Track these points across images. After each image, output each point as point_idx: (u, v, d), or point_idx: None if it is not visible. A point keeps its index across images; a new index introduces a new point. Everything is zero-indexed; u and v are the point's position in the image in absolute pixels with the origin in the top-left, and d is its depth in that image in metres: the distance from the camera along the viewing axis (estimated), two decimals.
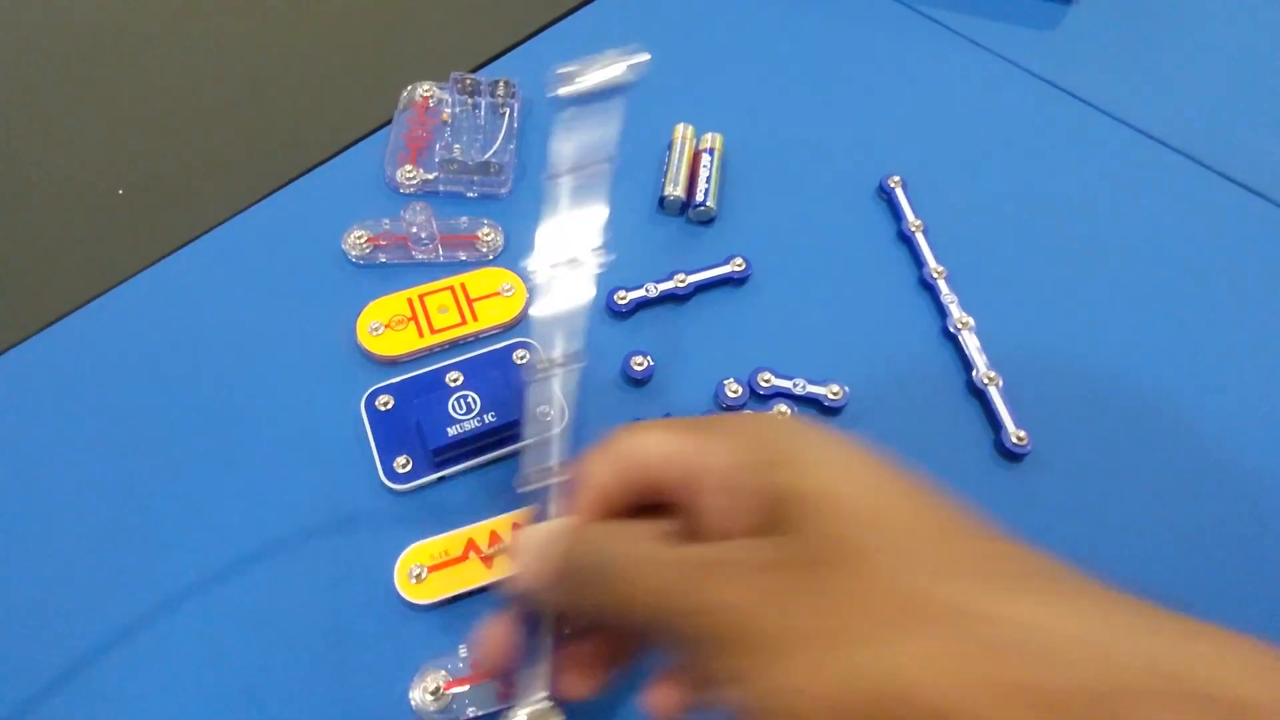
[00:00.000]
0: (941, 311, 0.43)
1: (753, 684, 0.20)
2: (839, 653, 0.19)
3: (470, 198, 0.47)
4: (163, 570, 0.35)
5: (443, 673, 0.32)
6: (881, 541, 0.21)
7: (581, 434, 0.39)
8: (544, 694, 0.27)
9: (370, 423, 0.38)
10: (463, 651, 0.32)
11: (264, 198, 0.47)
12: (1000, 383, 0.40)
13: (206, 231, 0.45)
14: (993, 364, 0.41)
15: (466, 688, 0.32)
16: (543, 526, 0.27)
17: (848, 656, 0.19)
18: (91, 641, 0.33)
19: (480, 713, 0.31)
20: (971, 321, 0.42)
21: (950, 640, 0.19)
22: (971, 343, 0.42)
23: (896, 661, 0.19)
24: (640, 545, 0.24)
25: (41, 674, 0.32)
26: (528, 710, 0.27)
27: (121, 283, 0.43)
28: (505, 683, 0.28)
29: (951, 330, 0.42)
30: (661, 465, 0.25)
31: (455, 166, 0.46)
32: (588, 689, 0.27)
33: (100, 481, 0.37)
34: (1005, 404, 0.40)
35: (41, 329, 0.42)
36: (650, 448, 0.26)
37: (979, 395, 0.41)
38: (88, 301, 0.43)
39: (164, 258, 0.44)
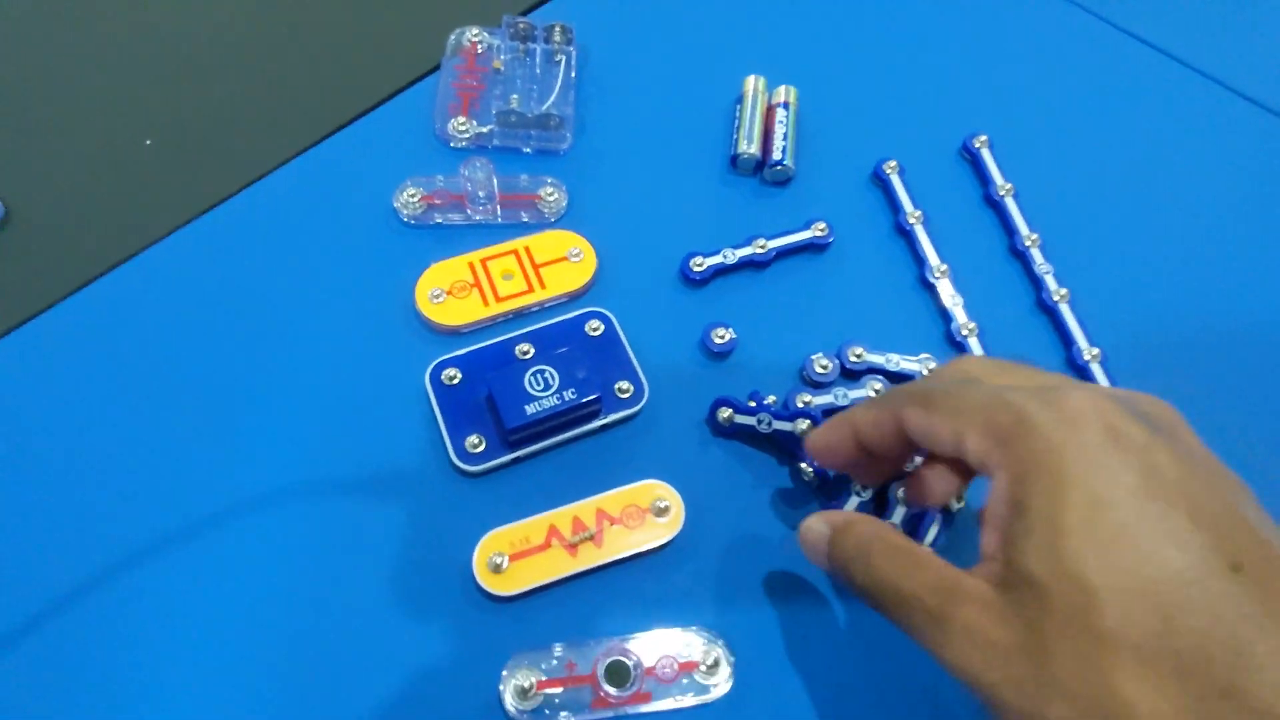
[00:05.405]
0: (1035, 283, 0.41)
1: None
2: None
3: (527, 153, 0.43)
4: (215, 567, 0.32)
5: (535, 670, 0.30)
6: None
7: (659, 411, 0.36)
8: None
9: (436, 398, 0.35)
10: (557, 650, 0.30)
11: (304, 150, 0.43)
12: (1102, 358, 0.38)
13: (243, 188, 0.42)
14: (1093, 339, 0.39)
15: (560, 689, 0.30)
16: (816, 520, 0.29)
17: None
18: (141, 611, 0.31)
19: (573, 719, 0.29)
20: (1068, 293, 0.40)
21: None
22: (1070, 316, 0.39)
23: None
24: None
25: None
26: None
27: (151, 245, 0.40)
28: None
29: (1048, 303, 0.40)
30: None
31: (514, 119, 0.42)
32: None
33: (134, 472, 0.34)
34: (1109, 382, 0.38)
35: (65, 297, 0.38)
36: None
37: (1080, 372, 0.38)
38: (115, 266, 0.39)
39: (197, 217, 0.41)
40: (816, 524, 0.28)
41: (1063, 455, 0.22)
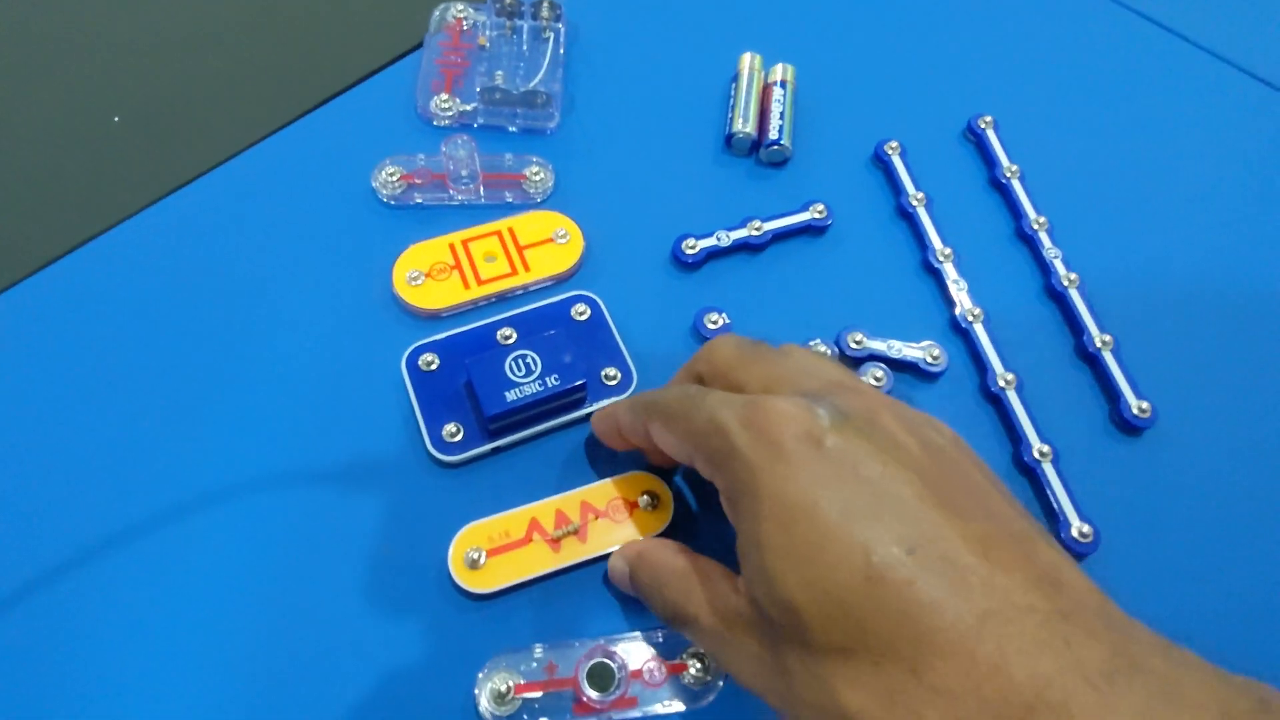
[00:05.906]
0: (1044, 268, 0.39)
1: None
2: None
3: (512, 132, 0.42)
4: (178, 561, 0.30)
5: (513, 673, 0.28)
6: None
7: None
8: None
9: (413, 385, 0.34)
10: (537, 651, 0.28)
11: (281, 128, 0.41)
12: (1115, 346, 0.36)
13: (216, 166, 0.40)
14: (1105, 326, 0.37)
15: (540, 694, 0.28)
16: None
17: None
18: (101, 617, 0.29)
19: None
20: (1078, 278, 0.38)
21: None
22: (1080, 302, 0.38)
23: None
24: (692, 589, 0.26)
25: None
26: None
27: (118, 223, 0.38)
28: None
29: (1057, 288, 0.38)
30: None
31: (499, 96, 0.40)
32: None
33: (95, 460, 0.32)
34: (1122, 370, 0.36)
35: (28, 275, 0.36)
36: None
37: (1091, 361, 0.37)
38: (79, 245, 0.37)
39: (167, 195, 0.39)
40: (617, 561, 0.29)
41: (759, 474, 0.23)
